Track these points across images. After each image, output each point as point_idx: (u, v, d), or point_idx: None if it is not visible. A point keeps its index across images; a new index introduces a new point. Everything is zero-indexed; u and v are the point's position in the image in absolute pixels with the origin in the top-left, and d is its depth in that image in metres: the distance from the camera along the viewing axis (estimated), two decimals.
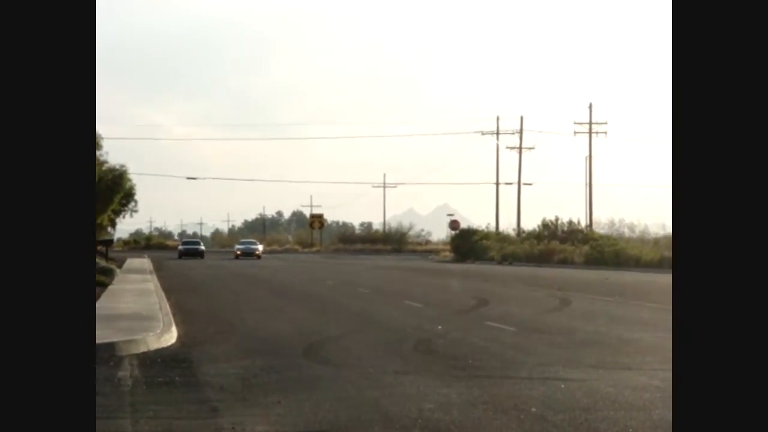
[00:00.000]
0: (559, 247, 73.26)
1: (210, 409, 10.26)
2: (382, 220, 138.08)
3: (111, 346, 14.78)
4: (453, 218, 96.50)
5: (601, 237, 75.85)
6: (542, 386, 11.78)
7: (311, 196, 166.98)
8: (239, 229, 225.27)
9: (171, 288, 32.34)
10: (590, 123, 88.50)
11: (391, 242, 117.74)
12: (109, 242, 61.72)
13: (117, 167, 50.48)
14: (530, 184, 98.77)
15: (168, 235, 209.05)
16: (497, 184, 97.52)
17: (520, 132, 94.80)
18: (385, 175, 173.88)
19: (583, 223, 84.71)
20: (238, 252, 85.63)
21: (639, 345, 16.45)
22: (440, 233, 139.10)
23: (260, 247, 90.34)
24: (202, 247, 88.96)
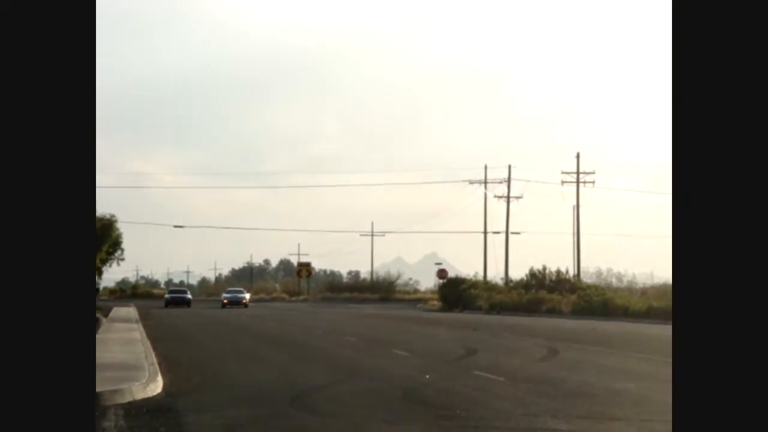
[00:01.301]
0: (547, 296, 73.20)
1: None
2: (369, 268, 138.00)
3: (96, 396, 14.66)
4: (441, 267, 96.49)
5: (589, 286, 75.88)
6: None
7: (299, 245, 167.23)
8: (226, 277, 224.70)
9: (157, 337, 32.17)
10: (578, 172, 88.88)
11: (379, 291, 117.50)
12: (95, 291, 61.51)
13: (105, 216, 50.44)
14: (518, 233, 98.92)
15: (155, 284, 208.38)
16: (485, 232, 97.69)
17: (508, 181, 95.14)
18: (373, 223, 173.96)
19: (571, 273, 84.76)
20: (225, 301, 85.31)
21: (627, 396, 16.39)
22: (428, 282, 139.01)
23: (247, 296, 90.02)
24: (189, 296, 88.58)
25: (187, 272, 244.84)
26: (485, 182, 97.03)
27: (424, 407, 14.75)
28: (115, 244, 55.77)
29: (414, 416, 13.58)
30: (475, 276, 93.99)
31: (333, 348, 28.49)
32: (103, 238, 49.39)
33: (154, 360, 21.37)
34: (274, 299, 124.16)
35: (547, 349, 28.51)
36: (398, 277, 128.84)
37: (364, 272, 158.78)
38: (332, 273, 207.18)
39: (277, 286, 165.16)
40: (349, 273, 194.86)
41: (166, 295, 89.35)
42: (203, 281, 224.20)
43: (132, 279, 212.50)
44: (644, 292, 70.83)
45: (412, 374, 19.81)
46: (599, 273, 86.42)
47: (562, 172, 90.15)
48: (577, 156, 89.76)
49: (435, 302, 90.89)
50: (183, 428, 12.38)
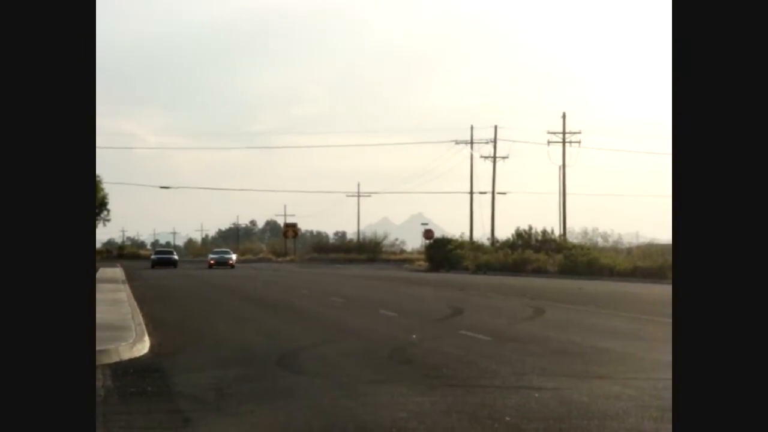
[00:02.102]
0: (533, 256, 73.43)
1: (183, 420, 10.19)
2: (356, 229, 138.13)
3: None
4: (427, 227, 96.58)
5: (575, 246, 76.11)
6: (516, 395, 11.78)
7: (285, 206, 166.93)
8: (213, 238, 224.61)
9: (144, 298, 32.18)
10: (564, 132, 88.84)
11: (365, 251, 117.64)
12: None
13: None
14: (504, 194, 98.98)
15: (141, 245, 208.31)
16: (471, 193, 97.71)
17: (494, 141, 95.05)
18: (359, 184, 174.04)
19: (557, 233, 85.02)
20: (212, 261, 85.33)
21: (612, 354, 16.49)
22: (415, 242, 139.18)
23: (234, 257, 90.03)
24: (176, 257, 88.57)
25: (174, 233, 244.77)
26: (471, 142, 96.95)
27: (410, 366, 14.81)
28: (101, 205, 55.63)
29: (401, 375, 13.63)
30: (461, 236, 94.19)
31: (320, 308, 28.56)
32: None
33: (141, 320, 21.38)
34: (260, 260, 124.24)
35: (534, 308, 28.63)
36: (384, 237, 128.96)
37: (351, 233, 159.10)
38: (319, 234, 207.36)
39: (264, 246, 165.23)
40: (336, 234, 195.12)
41: (153, 256, 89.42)
42: (190, 242, 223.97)
43: (118, 240, 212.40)
44: (630, 251, 71.08)
45: (398, 334, 19.87)
46: (585, 233, 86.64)
47: (548, 132, 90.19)
48: (563, 116, 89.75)
49: (421, 263, 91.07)
50: (170, 388, 12.40)
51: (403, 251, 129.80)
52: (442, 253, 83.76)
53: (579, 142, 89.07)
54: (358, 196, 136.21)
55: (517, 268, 71.02)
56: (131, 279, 50.24)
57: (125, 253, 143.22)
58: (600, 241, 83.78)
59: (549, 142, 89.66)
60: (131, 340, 16.65)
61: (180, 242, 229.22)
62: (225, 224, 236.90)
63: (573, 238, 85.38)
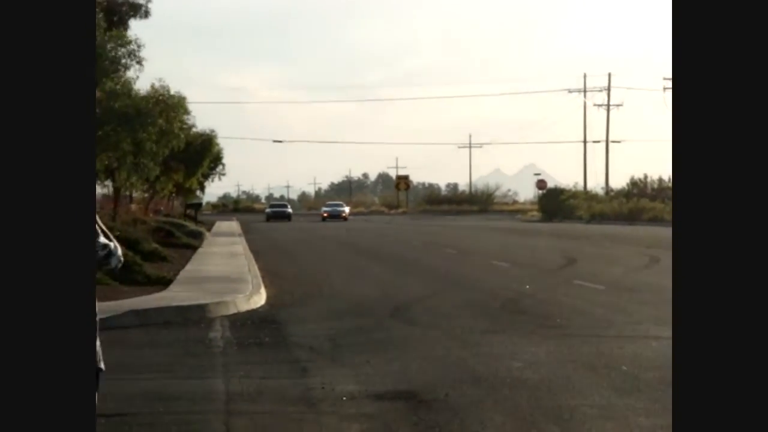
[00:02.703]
0: (649, 205, 72.33)
1: (300, 369, 10.36)
2: (468, 180, 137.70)
3: (202, 308, 15.00)
4: (540, 178, 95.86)
5: None
6: (632, 344, 11.67)
7: (397, 158, 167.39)
8: (325, 191, 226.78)
9: (259, 250, 32.69)
10: None
11: (477, 203, 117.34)
12: (198, 206, 62.60)
13: (206, 132, 51.06)
14: (618, 142, 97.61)
15: (255, 199, 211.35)
16: (585, 142, 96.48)
17: (608, 89, 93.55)
18: (470, 135, 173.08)
19: None
20: (325, 214, 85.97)
21: None
22: (527, 193, 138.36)
23: (347, 209, 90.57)
24: (290, 210, 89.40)
25: (287, 186, 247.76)
26: (584, 91, 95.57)
27: (524, 317, 14.78)
28: (216, 159, 56.48)
29: (514, 326, 13.61)
30: (574, 186, 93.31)
31: (432, 260, 28.63)
32: (204, 153, 50.05)
33: (257, 273, 21.73)
34: (372, 212, 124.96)
35: (649, 257, 28.24)
36: (497, 188, 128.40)
37: (463, 184, 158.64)
38: (430, 186, 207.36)
39: (376, 199, 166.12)
40: (448, 185, 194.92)
41: (267, 210, 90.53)
42: (303, 195, 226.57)
43: (233, 194, 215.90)
44: None
45: (511, 285, 19.83)
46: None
47: (664, 78, 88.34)
48: None
49: (534, 213, 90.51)
50: (287, 339, 12.61)
51: (515, 202, 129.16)
52: (555, 203, 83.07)
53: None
54: (470, 147, 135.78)
55: (632, 217, 70.04)
56: (246, 232, 51.07)
57: (240, 206, 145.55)
58: None
59: (665, 89, 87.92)
60: (248, 292, 16.95)
61: (294, 195, 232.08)
62: (337, 177, 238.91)
63: None
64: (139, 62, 25.15)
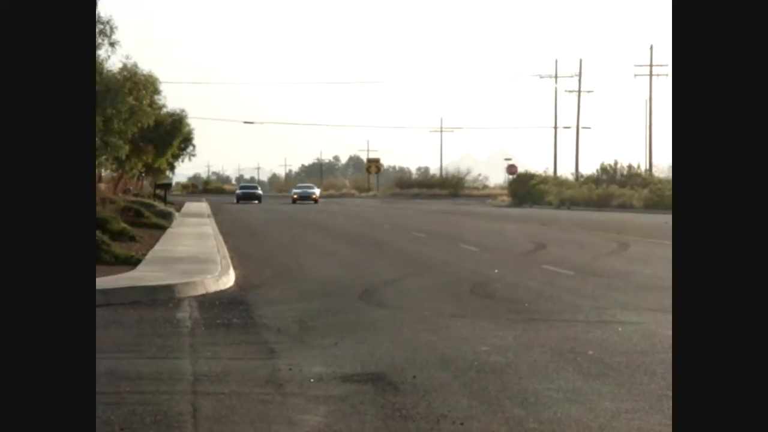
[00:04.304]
0: (618, 191, 72.65)
1: (267, 351, 10.35)
2: (439, 164, 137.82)
3: (170, 288, 14.95)
4: (510, 162, 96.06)
5: (661, 181, 75.05)
6: (599, 329, 11.73)
7: (368, 141, 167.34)
8: (296, 173, 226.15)
9: (229, 232, 32.59)
10: (651, 65, 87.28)
11: (448, 187, 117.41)
12: (167, 186, 62.26)
13: (176, 112, 50.80)
14: (589, 128, 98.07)
15: (226, 180, 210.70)
16: (555, 128, 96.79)
17: (579, 75, 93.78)
18: (442, 119, 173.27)
19: (643, 167, 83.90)
20: (295, 196, 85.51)
21: None
22: (497, 178, 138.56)
23: (317, 191, 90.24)
24: (260, 192, 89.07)
25: (258, 168, 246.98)
26: (556, 76, 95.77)
27: (492, 301, 14.82)
28: (186, 140, 56.23)
29: (482, 310, 13.66)
30: (545, 171, 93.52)
31: (402, 243, 28.66)
32: (174, 133, 49.80)
33: (226, 254, 21.67)
34: (343, 195, 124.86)
35: (618, 243, 28.39)
36: (467, 173, 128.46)
37: (434, 168, 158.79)
38: (401, 169, 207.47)
39: (347, 182, 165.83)
40: (418, 169, 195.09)
41: (237, 191, 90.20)
42: (273, 177, 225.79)
43: (204, 175, 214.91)
44: None
45: (480, 269, 19.88)
46: (672, 167, 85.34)
47: (635, 66, 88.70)
48: (651, 48, 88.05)
49: (504, 198, 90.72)
50: (255, 320, 12.59)
51: (485, 186, 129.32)
52: (525, 188, 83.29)
53: (667, 74, 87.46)
54: (441, 131, 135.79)
55: (601, 203, 70.35)
56: (216, 213, 50.90)
57: (210, 187, 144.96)
58: None
59: (636, 76, 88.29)
60: (217, 273, 16.90)
61: (264, 177, 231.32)
62: (308, 160, 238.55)
63: (659, 172, 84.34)
64: (112, 44, 24.99)
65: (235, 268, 18.60)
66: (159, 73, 30.32)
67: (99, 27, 24.67)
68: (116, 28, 24.70)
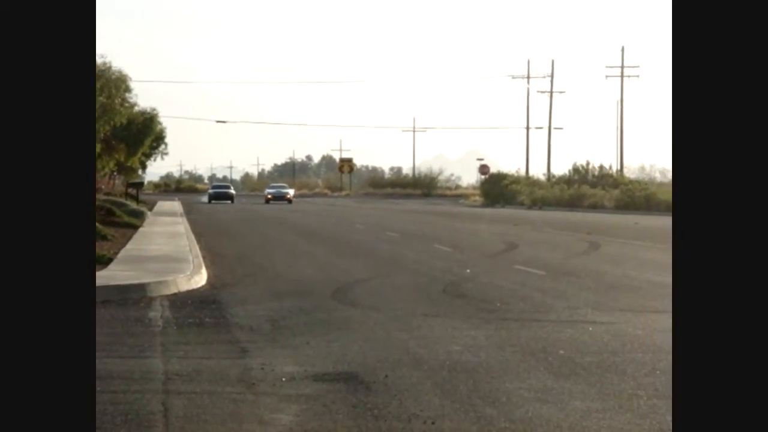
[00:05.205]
0: (590, 191, 72.97)
1: (239, 350, 10.34)
2: (411, 164, 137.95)
3: (142, 287, 14.90)
4: (483, 163, 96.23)
5: (632, 182, 75.46)
6: (570, 329, 11.79)
7: (341, 140, 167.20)
8: (269, 173, 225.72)
9: (201, 231, 32.50)
10: (622, 67, 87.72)
11: (420, 187, 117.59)
12: (139, 185, 61.99)
13: (147, 110, 50.61)
14: (561, 129, 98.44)
15: (198, 179, 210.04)
16: (527, 128, 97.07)
17: (551, 76, 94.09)
18: (414, 119, 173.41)
19: (614, 168, 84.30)
20: (269, 196, 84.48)
21: (668, 288, 16.37)
22: (470, 178, 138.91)
23: (291, 192, 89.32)
24: (233, 191, 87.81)
25: (230, 167, 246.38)
26: (528, 77, 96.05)
27: (464, 300, 14.86)
28: (159, 139, 56.13)
29: (455, 309, 13.69)
30: (517, 172, 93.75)
31: (375, 243, 28.67)
32: (146, 132, 49.64)
33: (199, 253, 21.62)
34: (316, 195, 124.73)
35: (589, 243, 28.52)
36: (440, 173, 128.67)
37: (406, 168, 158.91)
38: (374, 169, 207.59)
39: (319, 181, 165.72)
40: (391, 169, 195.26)
41: (210, 191, 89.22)
42: (246, 176, 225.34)
43: (176, 174, 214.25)
44: None
45: (453, 268, 19.92)
46: (643, 168, 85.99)
47: (607, 67, 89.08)
48: (622, 50, 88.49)
49: (477, 198, 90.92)
50: (227, 319, 12.57)
51: (458, 186, 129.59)
52: (497, 188, 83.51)
53: (638, 76, 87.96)
54: (414, 131, 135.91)
55: (573, 203, 70.64)
56: (189, 212, 50.73)
57: (183, 186, 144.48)
58: (658, 176, 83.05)
59: (607, 77, 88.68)
60: (189, 273, 16.86)
61: (237, 176, 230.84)
62: (281, 159, 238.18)
63: (630, 173, 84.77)
64: None
65: (207, 267, 18.56)
66: (131, 71, 30.25)
67: None
68: None
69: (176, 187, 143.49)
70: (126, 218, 34.08)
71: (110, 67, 28.28)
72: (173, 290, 15.27)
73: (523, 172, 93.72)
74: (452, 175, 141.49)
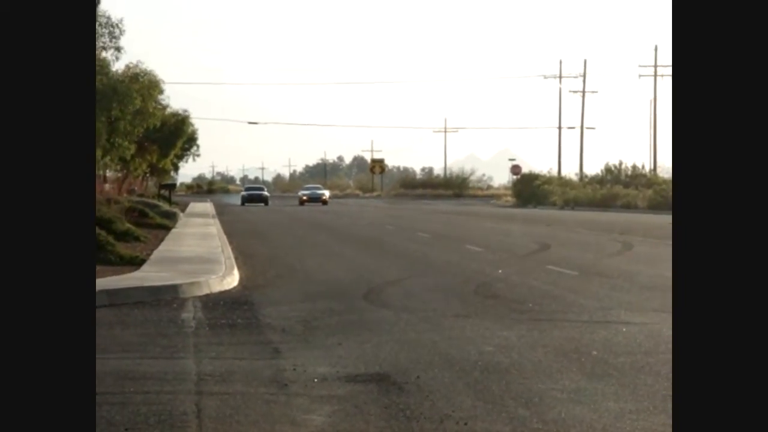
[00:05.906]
0: (623, 191, 72.60)
1: (272, 351, 10.36)
2: (443, 165, 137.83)
3: (174, 289, 14.96)
4: (514, 163, 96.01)
5: (665, 181, 74.91)
6: (603, 330, 11.73)
7: (372, 141, 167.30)
8: (300, 174, 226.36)
9: (233, 232, 32.60)
10: (655, 66, 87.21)
11: (452, 187, 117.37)
12: (172, 186, 62.29)
13: (179, 112, 50.85)
14: (593, 129, 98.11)
15: (230, 180, 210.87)
16: (560, 128, 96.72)
17: (584, 75, 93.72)
18: (446, 119, 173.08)
19: (647, 168, 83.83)
20: (304, 198, 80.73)
21: None
22: (502, 178, 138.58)
23: (327, 193, 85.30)
24: (267, 193, 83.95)
25: (262, 168, 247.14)
26: (560, 77, 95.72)
27: (496, 301, 14.82)
28: (190, 140, 56.34)
29: (487, 310, 13.66)
30: (549, 172, 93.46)
31: (406, 244, 28.66)
32: (178, 134, 49.88)
33: (231, 254, 21.68)
34: (347, 196, 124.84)
35: (622, 243, 28.37)
36: (471, 173, 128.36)
37: (438, 169, 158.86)
38: (405, 169, 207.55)
39: (351, 182, 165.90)
40: (423, 169, 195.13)
41: (243, 193, 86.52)
42: (278, 177, 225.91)
43: (208, 175, 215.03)
44: None
45: (484, 269, 19.87)
46: (672, 168, 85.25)
47: (639, 66, 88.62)
48: (655, 49, 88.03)
49: (508, 198, 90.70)
50: (259, 320, 12.60)
51: (489, 187, 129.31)
52: (529, 188, 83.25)
53: (671, 75, 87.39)
54: (445, 131, 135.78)
55: (605, 203, 70.30)
56: (221, 214, 50.91)
57: (215, 188, 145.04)
58: None
59: (640, 76, 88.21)
60: (221, 273, 16.92)
61: (268, 177, 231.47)
62: (312, 160, 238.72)
63: (664, 173, 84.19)
64: (118, 49, 25.07)
65: (239, 268, 18.61)
66: (163, 73, 30.47)
67: (108, 29, 24.74)
68: (125, 31, 24.78)
69: (208, 188, 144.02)
70: (158, 219, 34.26)
71: (146, 72, 28.45)
72: (205, 291, 15.32)
73: (555, 173, 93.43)
74: (484, 175, 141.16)
